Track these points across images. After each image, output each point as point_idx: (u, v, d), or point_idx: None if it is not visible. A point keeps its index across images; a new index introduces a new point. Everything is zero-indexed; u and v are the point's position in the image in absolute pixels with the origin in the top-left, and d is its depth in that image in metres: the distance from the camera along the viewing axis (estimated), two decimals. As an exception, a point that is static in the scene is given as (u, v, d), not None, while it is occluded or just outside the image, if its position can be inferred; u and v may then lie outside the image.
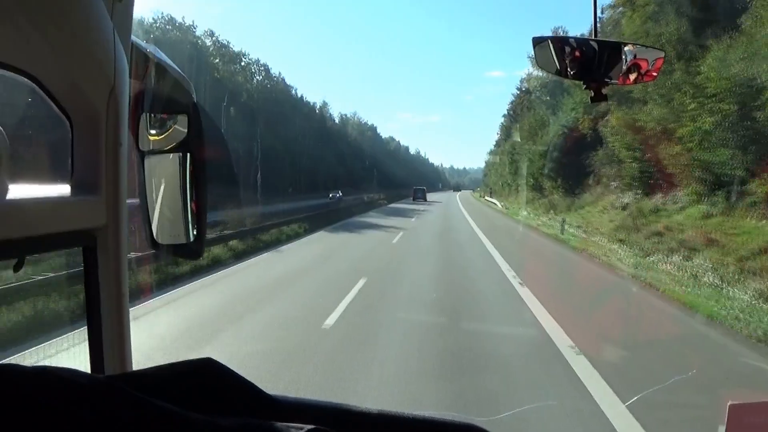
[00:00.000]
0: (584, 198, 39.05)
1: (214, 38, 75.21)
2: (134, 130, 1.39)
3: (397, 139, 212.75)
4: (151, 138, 1.49)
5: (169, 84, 1.50)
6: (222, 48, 75.65)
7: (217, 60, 72.35)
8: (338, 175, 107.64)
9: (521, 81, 78.03)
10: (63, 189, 1.11)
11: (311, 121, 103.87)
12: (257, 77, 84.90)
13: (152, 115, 1.49)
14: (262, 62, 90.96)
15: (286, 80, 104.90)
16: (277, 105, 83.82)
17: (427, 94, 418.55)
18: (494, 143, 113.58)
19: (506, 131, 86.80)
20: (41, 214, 1.03)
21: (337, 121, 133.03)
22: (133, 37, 1.26)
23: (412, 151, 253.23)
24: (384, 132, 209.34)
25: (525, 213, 44.54)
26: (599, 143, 36.79)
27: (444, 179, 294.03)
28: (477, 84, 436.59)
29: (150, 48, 1.41)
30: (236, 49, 79.91)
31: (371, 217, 43.74)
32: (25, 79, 1.02)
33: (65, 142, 1.14)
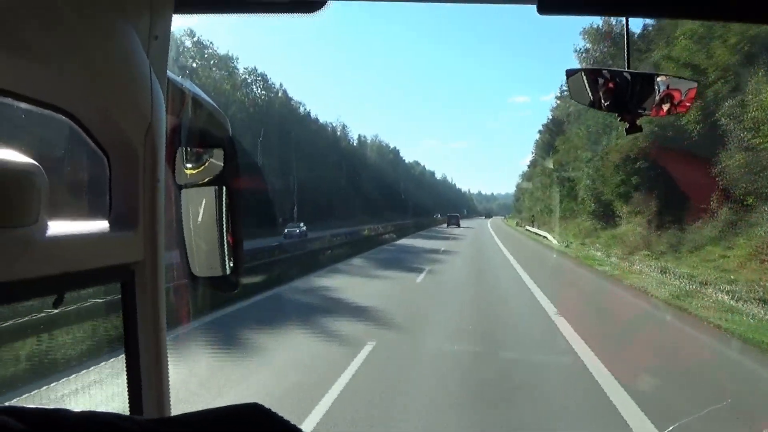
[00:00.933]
0: (700, 232, 23.75)
1: (246, 69, 75.41)
2: (171, 164, 1.40)
3: (422, 164, 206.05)
4: (188, 172, 1.50)
5: (204, 118, 1.51)
6: (252, 76, 76.52)
7: (246, 90, 73.03)
8: (354, 203, 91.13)
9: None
10: (101, 225, 1.12)
11: (335, 146, 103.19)
12: (280, 106, 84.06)
13: (188, 149, 1.51)
14: (283, 89, 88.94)
15: (307, 108, 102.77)
16: (302, 132, 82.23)
17: (452, 121, 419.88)
18: (528, 164, 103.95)
19: (544, 148, 73.19)
20: (80, 250, 1.04)
21: (354, 143, 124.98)
22: (168, 73, 1.27)
23: (438, 176, 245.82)
24: (409, 158, 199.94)
25: (614, 260, 25.77)
26: (725, 140, 23.14)
27: (472, 205, 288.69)
28: (502, 110, 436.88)
29: (186, 83, 1.43)
30: (267, 79, 79.95)
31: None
32: (63, 117, 1.03)
33: (103, 178, 1.15)
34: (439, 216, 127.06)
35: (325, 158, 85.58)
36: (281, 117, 76.92)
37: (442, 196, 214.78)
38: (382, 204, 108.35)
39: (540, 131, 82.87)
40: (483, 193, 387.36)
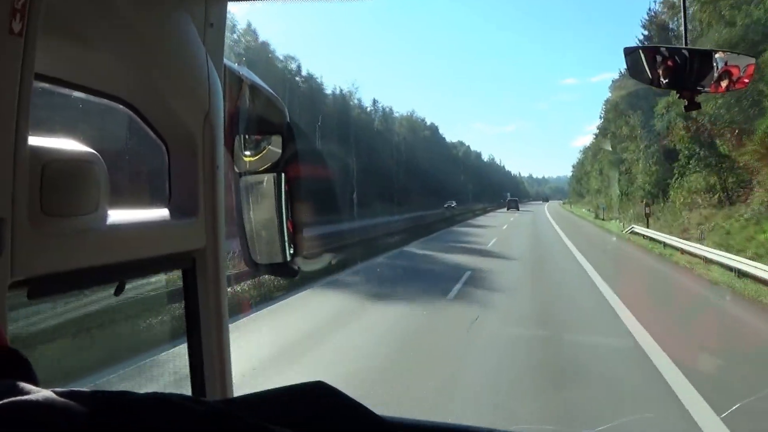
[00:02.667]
0: None
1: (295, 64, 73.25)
2: (230, 151, 1.40)
3: (466, 144, 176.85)
4: (247, 159, 1.50)
5: (262, 105, 1.51)
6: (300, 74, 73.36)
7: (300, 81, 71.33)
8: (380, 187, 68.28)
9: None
10: (162, 213, 1.13)
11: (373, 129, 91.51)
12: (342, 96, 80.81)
13: (247, 136, 1.51)
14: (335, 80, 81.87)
15: (358, 94, 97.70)
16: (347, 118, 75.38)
17: (501, 104, 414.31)
18: (589, 144, 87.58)
19: (611, 117, 57.30)
20: (140, 238, 1.04)
21: (376, 118, 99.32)
22: (225, 60, 1.27)
23: (485, 158, 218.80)
24: (454, 139, 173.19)
25: None
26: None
27: (522, 189, 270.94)
28: (551, 93, 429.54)
29: (243, 71, 1.42)
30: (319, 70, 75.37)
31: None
32: (122, 106, 1.04)
33: (162, 166, 1.16)
34: (486, 206, 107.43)
35: (371, 144, 77.12)
36: (331, 104, 74.26)
37: (490, 179, 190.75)
38: (412, 188, 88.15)
39: (602, 112, 71.80)
40: (534, 176, 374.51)
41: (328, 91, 78.76)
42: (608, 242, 31.57)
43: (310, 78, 73.28)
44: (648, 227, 32.07)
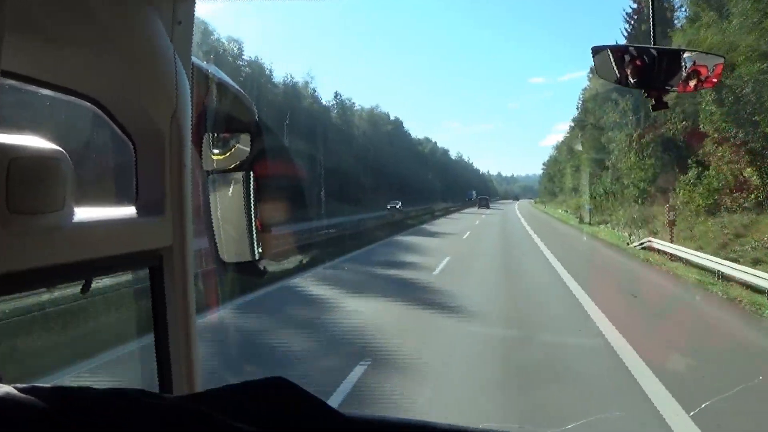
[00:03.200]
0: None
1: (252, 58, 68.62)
2: (198, 150, 1.40)
3: (433, 140, 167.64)
4: (215, 157, 1.50)
5: (230, 103, 1.51)
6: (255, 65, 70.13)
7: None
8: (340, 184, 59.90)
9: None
10: (128, 210, 1.13)
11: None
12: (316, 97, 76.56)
13: (215, 134, 1.51)
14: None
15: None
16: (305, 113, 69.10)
17: (472, 103, 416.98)
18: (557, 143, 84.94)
19: (590, 107, 51.51)
20: (107, 236, 1.04)
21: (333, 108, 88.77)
22: (193, 58, 1.27)
23: (453, 155, 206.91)
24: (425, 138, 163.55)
25: None
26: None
27: (492, 187, 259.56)
28: (521, 92, 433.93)
29: (211, 68, 1.42)
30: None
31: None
32: (88, 103, 1.04)
33: (130, 164, 1.15)
34: (449, 205, 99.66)
35: (324, 137, 65.24)
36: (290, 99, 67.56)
37: (458, 177, 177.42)
38: (368, 186, 78.98)
39: (579, 102, 65.19)
40: (503, 174, 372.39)
41: (278, 80, 70.73)
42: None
43: (253, 62, 66.10)
44: (673, 240, 21.56)
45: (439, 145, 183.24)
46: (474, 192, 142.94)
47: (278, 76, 71.96)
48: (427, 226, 44.42)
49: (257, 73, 63.76)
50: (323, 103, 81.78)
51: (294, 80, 75.15)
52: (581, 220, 43.81)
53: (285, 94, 68.28)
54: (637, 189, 34.58)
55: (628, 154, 36.38)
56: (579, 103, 65.40)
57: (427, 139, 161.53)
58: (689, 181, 27.04)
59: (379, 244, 29.66)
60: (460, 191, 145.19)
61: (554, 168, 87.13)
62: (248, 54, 65.51)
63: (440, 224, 47.33)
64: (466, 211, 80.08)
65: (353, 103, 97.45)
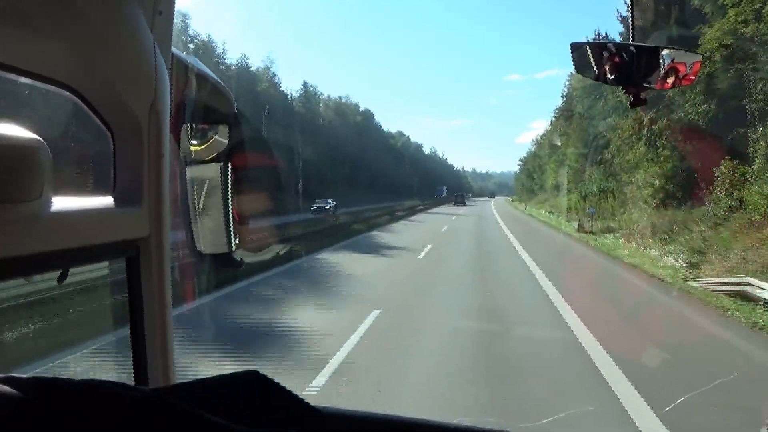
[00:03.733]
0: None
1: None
2: (176, 140, 1.40)
3: (406, 135, 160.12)
4: (193, 148, 1.50)
5: (209, 94, 1.51)
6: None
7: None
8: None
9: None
10: (106, 200, 1.12)
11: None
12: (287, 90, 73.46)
13: (193, 125, 1.51)
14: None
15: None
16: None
17: (449, 99, 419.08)
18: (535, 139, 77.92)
19: (578, 94, 47.24)
20: (84, 225, 1.04)
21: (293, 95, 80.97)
22: (173, 49, 1.27)
23: (427, 150, 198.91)
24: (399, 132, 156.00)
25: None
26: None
27: (466, 183, 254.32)
28: (497, 88, 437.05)
29: (190, 59, 1.42)
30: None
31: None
32: (68, 93, 1.04)
33: (108, 153, 1.15)
34: (417, 203, 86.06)
35: (284, 126, 63.52)
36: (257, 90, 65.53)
37: (431, 172, 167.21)
38: (330, 180, 72.47)
39: (562, 98, 60.16)
40: (478, 171, 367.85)
41: (231, 62, 66.05)
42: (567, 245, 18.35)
43: (200, 40, 62.04)
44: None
45: (413, 139, 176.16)
46: (444, 188, 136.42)
47: (232, 58, 69.41)
48: (376, 234, 32.91)
49: (202, 52, 59.01)
50: (281, 88, 75.49)
51: (248, 62, 70.59)
52: (580, 228, 32.91)
53: (238, 77, 63.29)
54: (651, 187, 27.22)
55: (637, 144, 29.41)
56: (564, 90, 59.85)
57: (400, 133, 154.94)
58: (745, 176, 20.63)
59: (268, 276, 16.31)
60: (432, 187, 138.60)
61: (533, 164, 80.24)
62: (197, 31, 62.17)
63: (396, 231, 35.88)
64: (435, 210, 68.39)
65: (318, 91, 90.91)
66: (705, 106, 25.46)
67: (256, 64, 77.59)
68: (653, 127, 28.36)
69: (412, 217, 52.00)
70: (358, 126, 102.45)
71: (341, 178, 76.71)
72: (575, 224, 35.18)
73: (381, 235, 32.44)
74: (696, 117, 26.02)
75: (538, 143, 78.15)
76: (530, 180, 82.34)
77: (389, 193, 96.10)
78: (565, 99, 57.75)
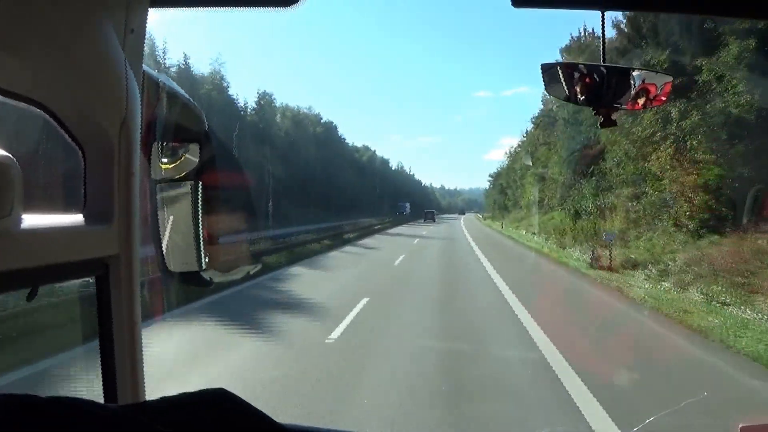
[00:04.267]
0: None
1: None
2: (147, 158, 1.40)
3: (372, 149, 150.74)
4: (163, 167, 1.50)
5: (180, 113, 1.51)
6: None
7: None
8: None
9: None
10: (76, 218, 1.12)
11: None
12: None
13: (164, 143, 1.50)
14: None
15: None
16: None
17: (416, 116, 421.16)
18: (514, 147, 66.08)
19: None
20: (54, 243, 1.04)
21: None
22: (144, 67, 1.28)
23: (394, 165, 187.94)
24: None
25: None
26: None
27: (434, 200, 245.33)
28: (465, 105, 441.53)
29: (161, 78, 1.43)
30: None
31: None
32: (38, 110, 1.04)
33: (78, 171, 1.15)
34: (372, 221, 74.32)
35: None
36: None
37: (398, 188, 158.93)
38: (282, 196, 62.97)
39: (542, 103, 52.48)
40: (446, 187, 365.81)
41: (171, 63, 60.16)
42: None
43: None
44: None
45: (379, 154, 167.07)
46: (408, 205, 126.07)
47: (172, 59, 62.04)
48: (267, 285, 17.10)
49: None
50: (229, 93, 69.03)
51: (189, 62, 64.49)
52: (594, 261, 21.74)
53: (179, 78, 56.40)
54: (687, 203, 20.01)
55: (661, 145, 21.97)
56: (544, 95, 50.39)
57: (366, 147, 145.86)
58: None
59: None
60: (399, 203, 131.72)
61: (507, 178, 71.66)
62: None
63: (321, 267, 23.24)
64: (396, 231, 56.10)
65: (274, 99, 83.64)
66: (748, 96, 18.94)
67: (203, 68, 74.27)
68: (682, 123, 21.15)
69: (363, 241, 40.15)
70: (317, 137, 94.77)
71: (294, 193, 68.72)
72: (576, 253, 25.72)
73: (277, 286, 17.58)
74: (738, 110, 19.21)
75: (512, 156, 69.66)
76: (503, 196, 75.11)
77: (351, 209, 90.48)
78: (544, 104, 50.65)
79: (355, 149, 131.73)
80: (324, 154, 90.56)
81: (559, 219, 33.88)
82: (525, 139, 60.09)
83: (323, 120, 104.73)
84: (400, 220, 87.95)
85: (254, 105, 77.52)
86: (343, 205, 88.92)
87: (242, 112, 70.69)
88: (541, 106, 50.69)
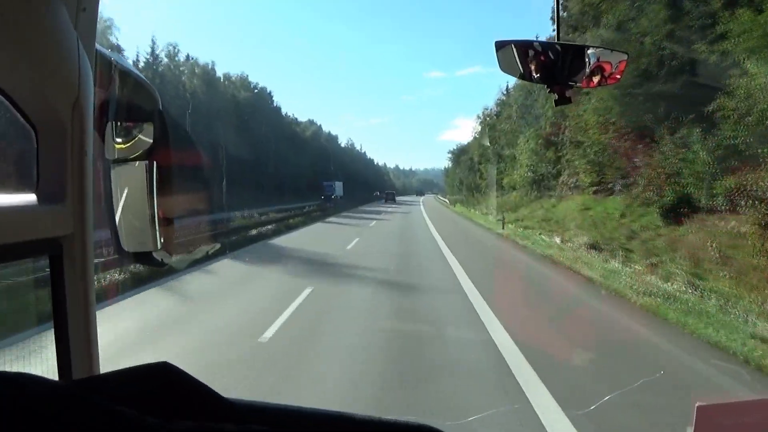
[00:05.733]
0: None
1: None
2: (101, 138, 1.40)
3: (318, 123, 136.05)
4: (117, 146, 1.49)
5: (134, 92, 1.50)
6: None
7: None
8: None
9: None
10: (29, 198, 1.12)
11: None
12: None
13: (118, 123, 1.50)
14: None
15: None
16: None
17: (368, 96, 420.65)
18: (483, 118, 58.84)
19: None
20: (7, 223, 1.04)
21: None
22: (97, 46, 1.27)
23: (343, 143, 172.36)
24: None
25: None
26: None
27: (388, 180, 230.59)
28: (417, 86, 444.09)
29: (114, 56, 1.42)
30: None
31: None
32: None
33: (30, 151, 1.15)
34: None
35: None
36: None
37: (347, 167, 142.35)
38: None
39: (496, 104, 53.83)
40: (401, 167, 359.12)
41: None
42: None
43: None
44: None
45: (312, 119, 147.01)
46: (337, 185, 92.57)
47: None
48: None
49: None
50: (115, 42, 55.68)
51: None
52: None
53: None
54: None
55: None
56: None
57: (311, 122, 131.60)
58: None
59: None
60: (350, 184, 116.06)
61: (481, 152, 57.38)
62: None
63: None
64: (312, 230, 36.76)
65: (179, 52, 72.17)
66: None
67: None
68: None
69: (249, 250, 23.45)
70: (238, 103, 78.15)
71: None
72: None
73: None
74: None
75: (490, 125, 54.10)
76: (473, 175, 60.83)
77: (283, 191, 77.87)
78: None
79: (296, 122, 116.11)
80: (248, 124, 78.36)
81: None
82: (500, 103, 55.13)
83: (254, 85, 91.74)
84: (323, 212, 55.78)
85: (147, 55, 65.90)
86: (272, 186, 75.27)
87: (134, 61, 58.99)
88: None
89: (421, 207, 74.80)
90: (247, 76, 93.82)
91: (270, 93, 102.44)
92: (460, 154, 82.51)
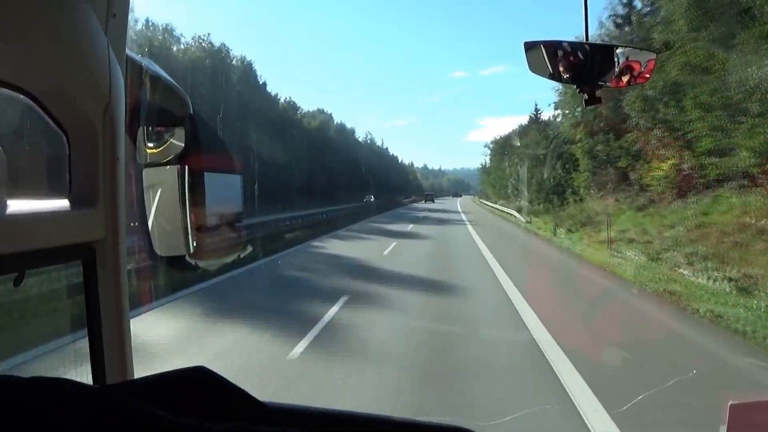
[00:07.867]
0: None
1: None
2: (132, 143, 1.40)
3: (328, 112, 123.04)
4: (149, 151, 1.50)
5: (164, 97, 1.51)
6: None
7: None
8: None
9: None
10: (61, 203, 1.12)
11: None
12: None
13: (149, 128, 1.50)
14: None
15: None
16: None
17: (393, 97, 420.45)
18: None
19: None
20: (40, 228, 1.04)
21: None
22: (127, 51, 1.27)
23: (360, 137, 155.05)
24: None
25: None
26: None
27: (415, 180, 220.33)
28: (442, 86, 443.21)
29: (145, 61, 1.42)
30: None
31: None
32: (22, 96, 1.03)
33: (62, 156, 1.15)
34: None
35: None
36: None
37: (369, 166, 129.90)
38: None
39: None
40: (429, 167, 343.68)
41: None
42: None
43: None
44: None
45: (321, 108, 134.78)
46: (371, 196, 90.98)
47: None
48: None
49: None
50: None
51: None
52: None
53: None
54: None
55: None
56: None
57: (320, 110, 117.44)
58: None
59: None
60: (366, 186, 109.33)
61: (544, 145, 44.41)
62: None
63: None
64: (358, 230, 36.01)
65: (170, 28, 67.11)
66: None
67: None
68: None
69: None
70: (274, 110, 74.02)
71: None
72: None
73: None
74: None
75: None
76: (552, 170, 41.86)
77: (313, 195, 73.51)
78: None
79: (311, 115, 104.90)
80: (283, 130, 74.35)
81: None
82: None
83: (249, 66, 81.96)
84: (372, 211, 54.86)
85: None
86: (277, 188, 62.41)
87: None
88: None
89: (461, 212, 55.75)
90: (248, 57, 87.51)
91: (294, 103, 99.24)
92: (504, 145, 65.65)
